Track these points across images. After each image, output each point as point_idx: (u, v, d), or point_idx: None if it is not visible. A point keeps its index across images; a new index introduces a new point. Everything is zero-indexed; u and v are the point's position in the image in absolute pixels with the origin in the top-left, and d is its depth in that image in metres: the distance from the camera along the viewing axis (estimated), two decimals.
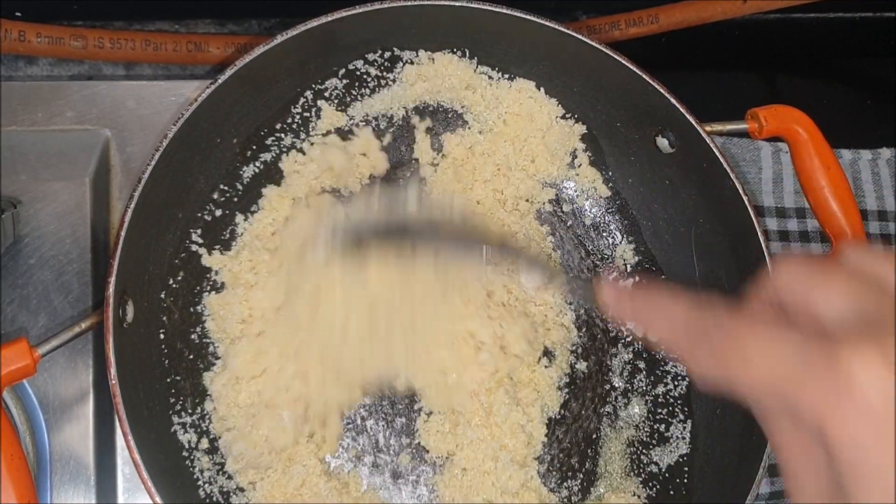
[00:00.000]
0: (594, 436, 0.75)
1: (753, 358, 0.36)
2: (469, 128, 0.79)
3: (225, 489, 0.68)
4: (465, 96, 0.78)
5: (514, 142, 0.78)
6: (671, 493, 0.74)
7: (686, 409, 0.76)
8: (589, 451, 0.75)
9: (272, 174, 0.75)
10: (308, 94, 0.76)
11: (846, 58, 1.03)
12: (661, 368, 0.77)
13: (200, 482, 0.68)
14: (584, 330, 0.78)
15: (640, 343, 0.77)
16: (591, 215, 0.80)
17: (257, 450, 0.68)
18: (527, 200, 0.79)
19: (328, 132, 0.76)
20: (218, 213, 0.73)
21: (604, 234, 0.80)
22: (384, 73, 0.77)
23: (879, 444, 0.32)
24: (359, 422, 0.73)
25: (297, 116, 0.76)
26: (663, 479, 0.75)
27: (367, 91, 0.77)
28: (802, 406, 0.34)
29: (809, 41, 1.01)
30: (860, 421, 0.33)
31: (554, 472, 0.74)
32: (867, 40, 1.01)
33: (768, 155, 0.89)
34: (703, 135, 0.70)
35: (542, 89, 0.78)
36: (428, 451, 0.73)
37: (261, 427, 0.68)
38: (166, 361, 0.69)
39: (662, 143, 0.75)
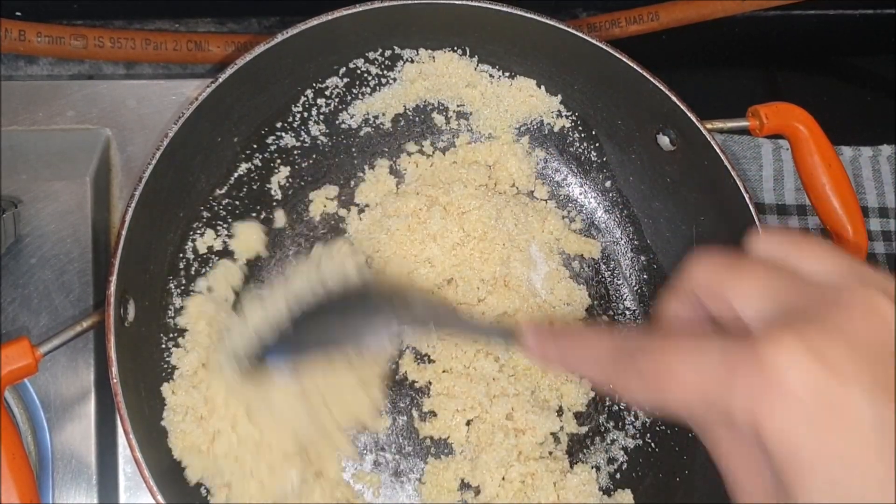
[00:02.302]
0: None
1: (679, 374, 0.36)
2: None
3: None
4: (466, 94, 0.78)
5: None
6: (673, 490, 0.74)
7: None
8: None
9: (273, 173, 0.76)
10: (308, 92, 0.76)
11: (847, 55, 1.02)
12: None
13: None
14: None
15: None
16: (591, 213, 0.80)
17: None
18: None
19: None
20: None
21: (604, 230, 0.80)
22: (385, 72, 0.77)
23: (811, 436, 0.32)
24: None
25: (298, 115, 0.76)
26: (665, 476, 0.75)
27: (368, 90, 0.77)
28: (734, 410, 0.34)
29: (810, 38, 1.01)
30: (790, 415, 0.32)
31: None
32: (868, 37, 1.01)
33: (769, 152, 0.89)
34: (704, 132, 0.70)
35: (542, 87, 0.78)
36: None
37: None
38: (168, 360, 0.69)
39: (663, 140, 0.75)
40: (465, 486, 0.72)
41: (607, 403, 0.76)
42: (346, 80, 0.76)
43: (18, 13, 0.83)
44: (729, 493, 0.38)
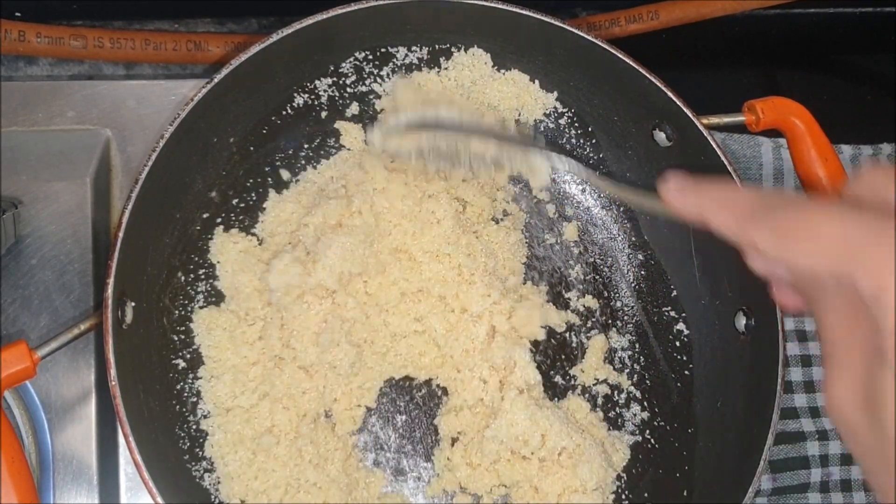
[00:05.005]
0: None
1: (816, 231, 0.37)
2: None
3: None
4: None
5: None
6: (672, 486, 0.74)
7: (688, 404, 0.76)
8: None
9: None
10: (304, 92, 0.76)
11: (846, 53, 1.02)
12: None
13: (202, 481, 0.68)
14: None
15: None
16: (589, 209, 0.80)
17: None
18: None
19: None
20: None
21: (601, 227, 0.80)
22: (380, 70, 0.77)
23: None
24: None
25: (294, 114, 0.76)
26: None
27: (364, 88, 0.77)
28: (863, 276, 0.35)
29: (810, 37, 1.01)
30: None
31: None
32: (867, 36, 1.01)
33: (769, 150, 0.89)
34: (701, 128, 0.70)
35: (536, 82, 0.78)
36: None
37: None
38: (168, 360, 0.69)
39: (660, 136, 0.75)
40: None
41: (606, 402, 0.76)
42: (341, 79, 0.76)
43: (18, 14, 0.83)
44: (825, 366, 0.39)
